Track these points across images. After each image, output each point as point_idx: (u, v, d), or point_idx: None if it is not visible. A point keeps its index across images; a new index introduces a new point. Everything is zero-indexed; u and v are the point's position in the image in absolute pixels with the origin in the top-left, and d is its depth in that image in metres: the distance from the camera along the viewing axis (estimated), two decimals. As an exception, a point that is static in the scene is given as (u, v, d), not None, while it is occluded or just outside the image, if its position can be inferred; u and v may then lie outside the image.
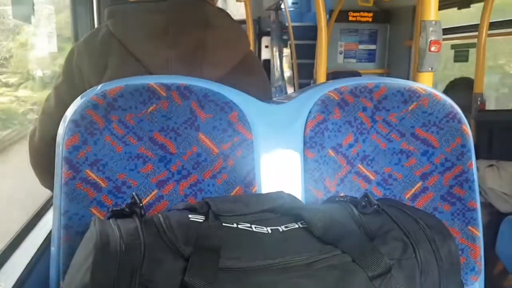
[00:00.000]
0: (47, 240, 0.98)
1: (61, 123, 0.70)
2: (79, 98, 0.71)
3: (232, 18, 1.07)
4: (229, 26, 1.04)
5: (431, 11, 1.04)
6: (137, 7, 0.98)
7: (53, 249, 0.69)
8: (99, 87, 0.72)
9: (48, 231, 1.01)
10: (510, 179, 2.06)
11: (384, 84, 0.80)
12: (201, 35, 0.97)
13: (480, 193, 0.81)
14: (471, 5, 3.14)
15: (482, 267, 0.80)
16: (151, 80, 0.73)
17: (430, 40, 1.03)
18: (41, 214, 1.18)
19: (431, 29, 1.02)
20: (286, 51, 5.05)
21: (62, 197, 0.68)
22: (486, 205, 2.09)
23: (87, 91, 0.72)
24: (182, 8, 0.99)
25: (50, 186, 0.86)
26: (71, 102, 0.72)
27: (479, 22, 2.62)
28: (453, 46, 3.48)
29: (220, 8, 1.06)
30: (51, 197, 0.72)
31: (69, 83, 0.96)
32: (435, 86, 1.28)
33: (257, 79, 1.07)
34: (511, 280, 1.93)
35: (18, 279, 0.83)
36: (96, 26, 1.84)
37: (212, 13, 1.02)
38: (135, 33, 0.96)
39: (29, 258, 0.91)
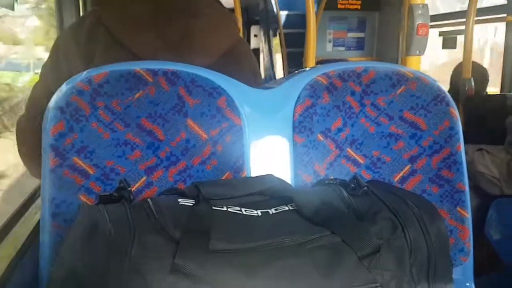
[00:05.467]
0: (36, 228, 0.97)
1: (46, 110, 0.70)
2: (64, 84, 0.70)
3: (221, 5, 1.05)
4: (217, 13, 1.03)
5: None
6: None
7: (42, 236, 0.68)
8: (84, 73, 0.71)
9: (37, 219, 1.00)
10: (499, 163, 2.09)
11: (373, 68, 0.80)
12: (189, 23, 0.96)
13: (469, 177, 0.81)
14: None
15: (471, 248, 0.81)
16: (137, 66, 0.73)
17: (418, 24, 1.03)
18: (30, 203, 1.17)
19: (418, 12, 1.02)
20: (275, 40, 5.04)
21: (50, 184, 0.67)
22: (476, 189, 2.12)
23: (72, 77, 0.71)
24: None
25: (38, 175, 0.85)
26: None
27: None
28: (441, 33, 3.49)
29: None
30: (40, 186, 0.72)
31: (56, 71, 0.95)
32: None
33: (246, 66, 1.06)
34: (500, 262, 1.96)
35: (7, 268, 0.83)
36: (81, 14, 1.81)
37: (201, 0, 1.01)
38: (122, 21, 0.94)
39: (19, 247, 0.90)
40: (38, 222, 0.70)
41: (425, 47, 1.04)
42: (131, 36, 0.93)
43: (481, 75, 2.81)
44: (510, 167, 2.04)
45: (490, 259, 1.98)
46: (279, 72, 4.97)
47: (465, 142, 0.82)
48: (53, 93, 0.71)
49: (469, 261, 0.82)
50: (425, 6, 1.03)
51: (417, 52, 1.05)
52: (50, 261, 0.67)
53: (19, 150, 1.01)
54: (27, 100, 1.00)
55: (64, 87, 0.70)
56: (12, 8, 0.87)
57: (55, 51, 0.97)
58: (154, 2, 0.95)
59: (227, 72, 0.80)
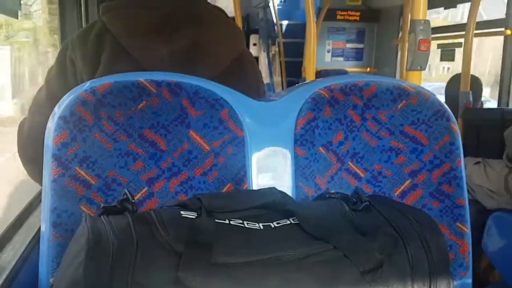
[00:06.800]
0: (36, 237, 0.97)
1: (50, 119, 0.70)
2: (67, 94, 0.70)
3: (227, 16, 1.06)
4: (224, 24, 1.04)
5: (420, 10, 1.05)
6: (132, 3, 0.98)
7: (42, 246, 0.68)
8: (88, 83, 0.71)
9: (37, 229, 1.00)
10: (496, 176, 2.09)
11: (374, 82, 0.81)
12: (196, 32, 0.97)
13: (467, 190, 0.82)
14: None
15: (470, 262, 0.81)
16: (141, 77, 0.73)
17: (419, 39, 1.03)
18: (30, 211, 1.17)
19: (420, 27, 1.03)
20: (274, 49, 5.06)
21: (51, 194, 0.67)
22: (473, 202, 2.12)
23: (75, 87, 0.72)
24: (178, 4, 0.98)
25: (38, 179, 0.85)
26: (63, 96, 0.71)
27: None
28: (439, 46, 3.52)
29: (215, 6, 1.06)
30: (40, 194, 0.72)
31: (61, 77, 0.95)
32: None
33: (251, 77, 1.07)
34: (496, 275, 1.96)
35: (6, 278, 0.82)
36: (84, 23, 1.82)
37: (207, 10, 1.02)
38: (129, 29, 0.95)
39: (18, 257, 0.90)
40: (38, 231, 0.70)
41: (427, 62, 1.05)
42: (137, 43, 0.94)
43: (475, 87, 2.83)
44: (507, 181, 2.05)
45: (486, 272, 1.98)
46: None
47: (464, 155, 0.83)
48: (57, 99, 0.72)
49: (468, 276, 0.82)
50: (426, 21, 1.04)
51: (419, 67, 1.06)
52: (50, 271, 0.67)
53: (19, 152, 1.01)
54: (31, 104, 1.01)
55: (67, 97, 0.70)
56: (16, 17, 0.87)
57: (62, 57, 0.97)
58: (161, 10, 0.96)
59: (232, 82, 0.80)
